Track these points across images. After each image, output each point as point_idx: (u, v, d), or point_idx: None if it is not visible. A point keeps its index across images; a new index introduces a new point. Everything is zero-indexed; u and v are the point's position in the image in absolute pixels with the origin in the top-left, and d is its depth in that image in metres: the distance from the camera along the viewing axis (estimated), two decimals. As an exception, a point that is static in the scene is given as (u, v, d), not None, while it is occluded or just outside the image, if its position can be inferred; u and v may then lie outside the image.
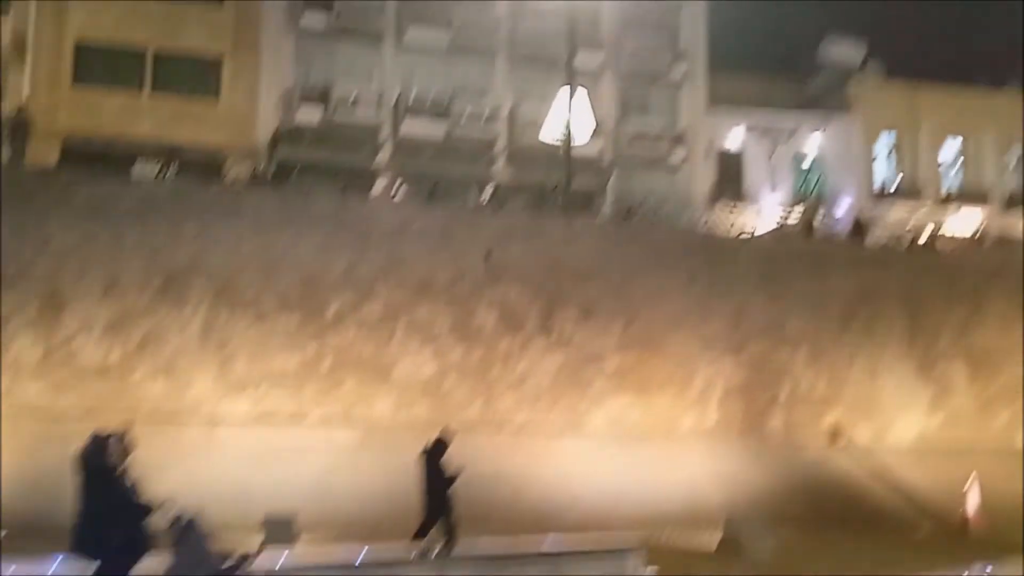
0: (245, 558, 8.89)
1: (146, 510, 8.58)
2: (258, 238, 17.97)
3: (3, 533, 10.43)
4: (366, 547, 11.16)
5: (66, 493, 15.68)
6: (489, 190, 26.91)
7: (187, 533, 8.51)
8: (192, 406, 16.89)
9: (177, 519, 8.53)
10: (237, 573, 8.73)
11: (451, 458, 12.03)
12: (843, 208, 31.43)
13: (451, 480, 11.94)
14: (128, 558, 8.51)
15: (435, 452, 12.16)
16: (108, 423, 16.46)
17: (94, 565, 8.42)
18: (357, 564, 11.03)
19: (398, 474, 17.73)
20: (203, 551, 8.55)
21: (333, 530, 14.04)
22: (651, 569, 12.84)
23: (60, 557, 10.62)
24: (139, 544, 8.51)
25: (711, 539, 16.63)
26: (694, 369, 20.98)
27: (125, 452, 8.92)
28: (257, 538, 12.89)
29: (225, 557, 8.68)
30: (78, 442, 15.07)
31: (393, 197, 24.62)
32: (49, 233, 16.62)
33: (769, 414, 21.55)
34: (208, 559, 8.63)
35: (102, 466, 8.70)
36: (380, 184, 26.30)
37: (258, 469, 16.47)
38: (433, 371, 19.00)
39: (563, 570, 12.28)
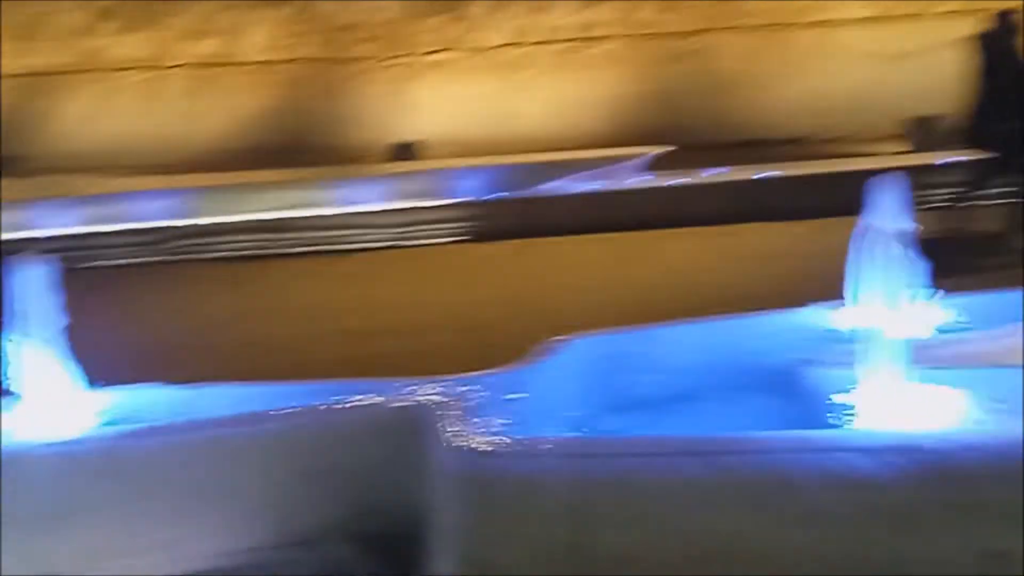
0: None
1: None
2: None
3: (670, 148, 10.86)
4: None
5: (693, 111, 15.73)
6: None
7: None
8: (798, 13, 15.97)
9: None
10: None
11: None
12: None
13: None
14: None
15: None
16: (718, 40, 16.31)
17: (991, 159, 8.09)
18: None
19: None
20: None
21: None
22: None
23: (715, 170, 10.91)
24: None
25: None
26: None
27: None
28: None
29: None
30: (692, 60, 14.41)
31: None
32: None
33: None
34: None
35: (1004, 48, 8.01)
36: None
37: (876, 73, 15.38)
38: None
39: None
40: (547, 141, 14.83)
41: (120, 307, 7.03)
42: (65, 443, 2.89)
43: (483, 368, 3.65)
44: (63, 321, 3.23)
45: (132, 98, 18.52)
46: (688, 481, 2.32)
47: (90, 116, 18.23)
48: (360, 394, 3.18)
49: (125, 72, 18.75)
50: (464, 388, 3.04)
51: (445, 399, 2.92)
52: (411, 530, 2.73)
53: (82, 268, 9.23)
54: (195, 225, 9.61)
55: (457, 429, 2.62)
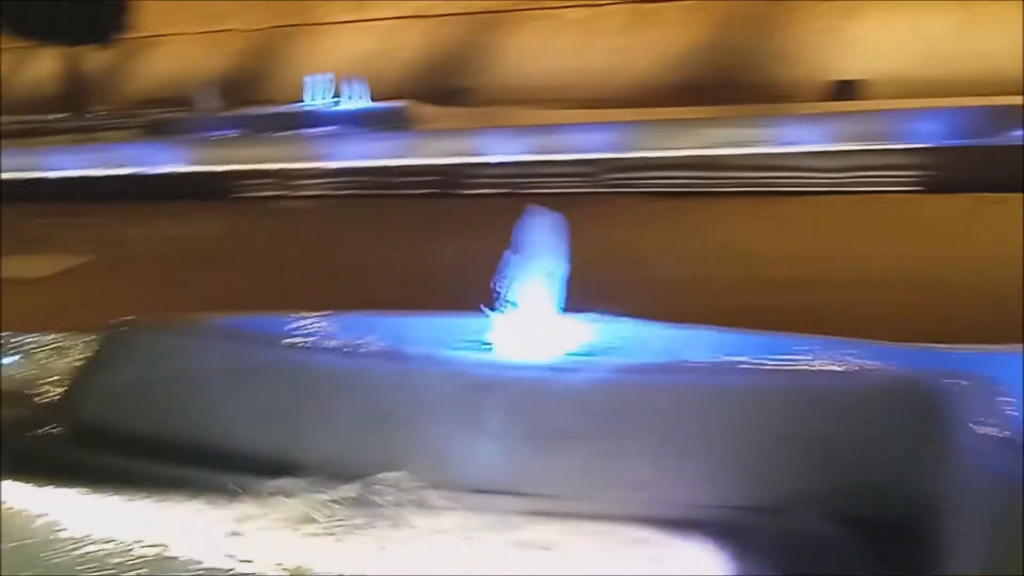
0: None
1: None
2: None
3: None
4: None
5: None
6: None
7: None
8: None
9: None
10: None
11: None
12: None
13: None
14: None
15: None
16: None
17: None
18: None
19: None
20: None
21: None
22: None
23: None
24: None
25: None
26: None
27: None
28: None
29: None
30: None
31: None
32: None
33: None
34: None
35: None
36: None
37: None
38: None
39: None
40: (1015, 82, 13.08)
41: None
42: (559, 368, 2.93)
43: (948, 338, 3.22)
44: (560, 247, 3.28)
45: (572, 34, 19.19)
46: None
47: (532, 51, 19.18)
48: (833, 352, 2.88)
49: (566, 9, 19.44)
50: (974, 361, 2.59)
51: (957, 373, 2.50)
52: (910, 520, 2.38)
53: (521, 195, 9.72)
54: (629, 159, 9.66)
55: (991, 413, 2.20)
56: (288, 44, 21.80)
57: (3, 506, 3.09)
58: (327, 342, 3.34)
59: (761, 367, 2.76)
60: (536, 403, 2.83)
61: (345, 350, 3.25)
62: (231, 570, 2.60)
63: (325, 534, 2.79)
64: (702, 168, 9.27)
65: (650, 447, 2.70)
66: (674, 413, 2.71)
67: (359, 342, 3.29)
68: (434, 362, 3.01)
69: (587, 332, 3.26)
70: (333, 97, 14.16)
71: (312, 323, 3.50)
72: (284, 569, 2.60)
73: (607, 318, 3.36)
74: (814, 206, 8.35)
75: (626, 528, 2.60)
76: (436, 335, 3.34)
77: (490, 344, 3.23)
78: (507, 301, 3.24)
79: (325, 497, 2.94)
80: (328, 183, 10.51)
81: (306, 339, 3.35)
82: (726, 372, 2.75)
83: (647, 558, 2.51)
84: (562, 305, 3.26)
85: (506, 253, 3.27)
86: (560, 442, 2.77)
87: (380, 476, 2.91)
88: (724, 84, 15.60)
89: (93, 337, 4.36)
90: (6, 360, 4.66)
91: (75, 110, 18.76)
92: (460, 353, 3.14)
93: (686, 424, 2.70)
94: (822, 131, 9.64)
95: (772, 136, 9.55)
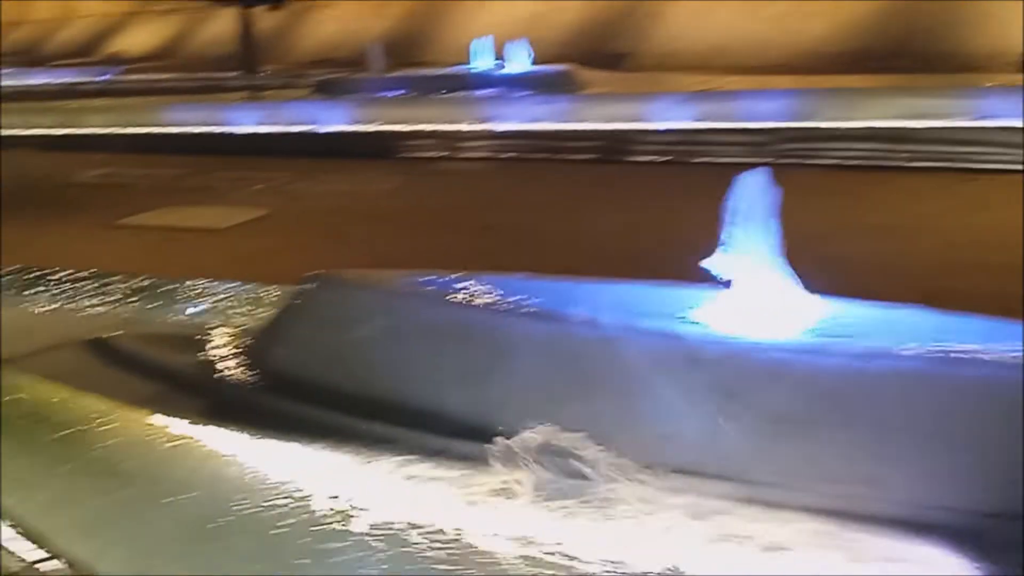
0: None
1: None
2: None
3: None
4: None
5: None
6: None
7: None
8: None
9: None
10: None
11: None
12: None
13: None
14: None
15: None
16: None
17: None
18: None
19: None
20: None
21: None
22: None
23: None
24: None
25: None
26: None
27: None
28: None
29: None
30: None
31: None
32: None
33: None
34: None
35: None
36: None
37: None
38: None
39: None
40: None
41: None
42: (779, 348, 2.73)
43: None
44: (775, 222, 3.06)
45: (738, -2, 18.55)
46: None
47: (696, 15, 18.62)
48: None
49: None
50: None
51: None
52: None
53: (687, 164, 9.43)
54: (808, 128, 9.22)
55: None
56: (452, 7, 21.90)
57: (197, 449, 3.15)
58: (511, 305, 3.23)
59: (1004, 359, 2.48)
60: (753, 383, 2.64)
61: (540, 315, 3.13)
62: (414, 535, 2.54)
63: (513, 505, 2.70)
64: (887, 141, 8.74)
65: (879, 440, 2.47)
66: (909, 405, 2.48)
67: (543, 307, 3.17)
68: (640, 333, 2.85)
69: (804, 311, 3.03)
70: (497, 60, 14.10)
71: (481, 285, 3.42)
72: (460, 537, 2.52)
73: (826, 298, 3.13)
74: (1010, 185, 7.77)
75: (845, 525, 2.40)
76: (612, 303, 3.18)
77: (686, 317, 3.06)
78: (714, 273, 3.04)
79: (515, 466, 2.84)
80: (492, 145, 10.47)
81: (496, 302, 3.25)
82: (966, 363, 2.49)
83: (868, 560, 2.31)
84: (776, 281, 3.04)
85: (723, 219, 3.07)
86: (779, 427, 2.58)
87: (575, 449, 2.79)
88: (902, 53, 14.74)
89: (279, 288, 4.43)
90: (195, 308, 4.81)
91: (248, 69, 19.37)
92: (666, 325, 2.96)
93: (921, 418, 2.46)
94: (1021, 105, 8.94)
95: (965, 109, 8.91)
